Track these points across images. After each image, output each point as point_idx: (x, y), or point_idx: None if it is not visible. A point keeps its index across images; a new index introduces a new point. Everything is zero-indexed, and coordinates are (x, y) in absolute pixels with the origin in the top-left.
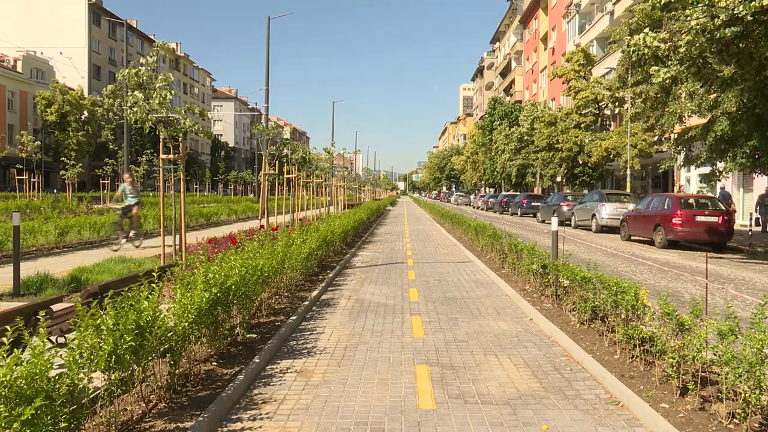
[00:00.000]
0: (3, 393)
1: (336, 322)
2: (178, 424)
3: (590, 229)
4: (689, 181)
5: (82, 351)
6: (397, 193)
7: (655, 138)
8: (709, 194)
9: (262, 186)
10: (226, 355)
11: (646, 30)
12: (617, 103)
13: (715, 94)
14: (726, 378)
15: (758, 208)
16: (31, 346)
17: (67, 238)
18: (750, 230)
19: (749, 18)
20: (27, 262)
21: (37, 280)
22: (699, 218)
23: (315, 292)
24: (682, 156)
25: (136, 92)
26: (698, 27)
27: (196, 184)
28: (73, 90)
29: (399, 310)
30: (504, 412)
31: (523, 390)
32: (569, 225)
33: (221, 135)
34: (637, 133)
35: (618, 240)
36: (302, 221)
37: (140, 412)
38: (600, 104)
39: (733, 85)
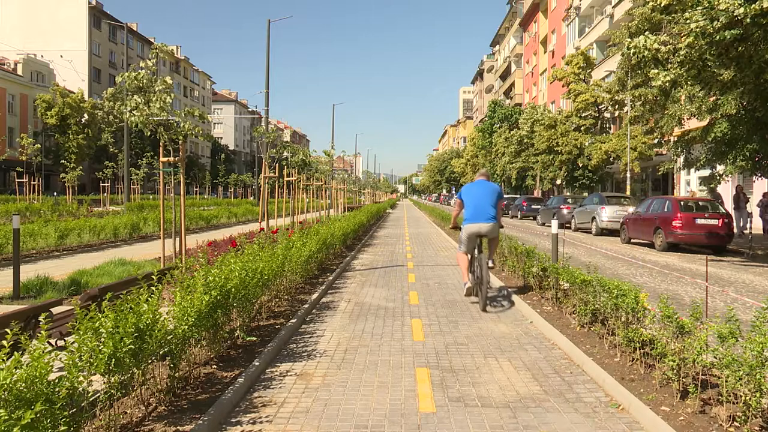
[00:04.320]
0: (3, 396)
1: (336, 325)
2: (178, 427)
3: (590, 232)
4: (689, 183)
5: (82, 354)
6: (397, 196)
7: (655, 141)
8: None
9: (262, 189)
10: (225, 358)
11: (646, 33)
12: (617, 106)
13: (714, 97)
14: (726, 381)
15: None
16: (30, 349)
17: (67, 241)
18: (749, 233)
19: (748, 21)
20: (27, 265)
21: (37, 283)
22: (699, 221)
23: (315, 295)
24: (681, 159)
25: (135, 96)
26: (698, 30)
27: (196, 187)
28: (74, 93)
29: (399, 313)
30: (504, 415)
31: (524, 393)
32: (569, 228)
33: (221, 138)
34: (636, 136)
35: (618, 243)
36: (302, 224)
37: (140, 415)
38: (600, 107)
39: (733, 88)
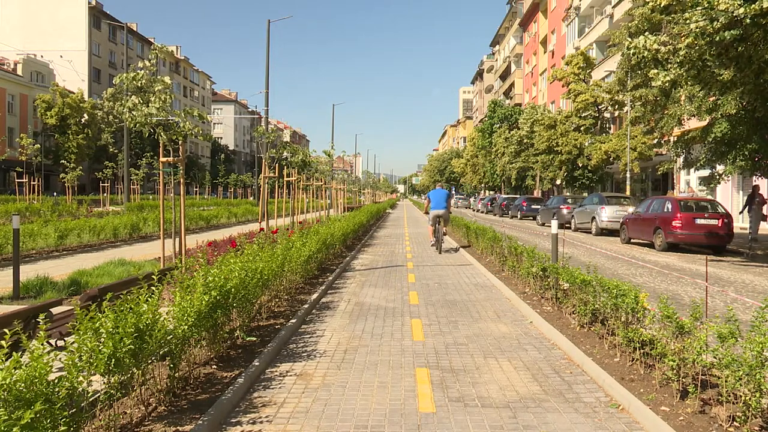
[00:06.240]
0: (2, 396)
1: (336, 325)
2: (178, 427)
3: (590, 232)
4: (689, 183)
5: (82, 354)
6: (397, 196)
7: (655, 141)
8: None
9: (261, 189)
10: (225, 358)
11: (646, 33)
12: (617, 106)
13: (714, 97)
14: (726, 381)
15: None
16: (30, 349)
17: (66, 241)
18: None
19: (748, 21)
20: (27, 265)
21: (37, 283)
22: (699, 221)
23: (315, 295)
24: (681, 159)
25: (132, 97)
26: (697, 30)
27: (196, 187)
28: (73, 93)
29: (399, 313)
30: (504, 416)
31: (524, 393)
32: (569, 228)
33: (221, 138)
34: (636, 136)
35: (618, 243)
36: (302, 224)
37: (140, 415)
38: (600, 107)
39: (733, 88)
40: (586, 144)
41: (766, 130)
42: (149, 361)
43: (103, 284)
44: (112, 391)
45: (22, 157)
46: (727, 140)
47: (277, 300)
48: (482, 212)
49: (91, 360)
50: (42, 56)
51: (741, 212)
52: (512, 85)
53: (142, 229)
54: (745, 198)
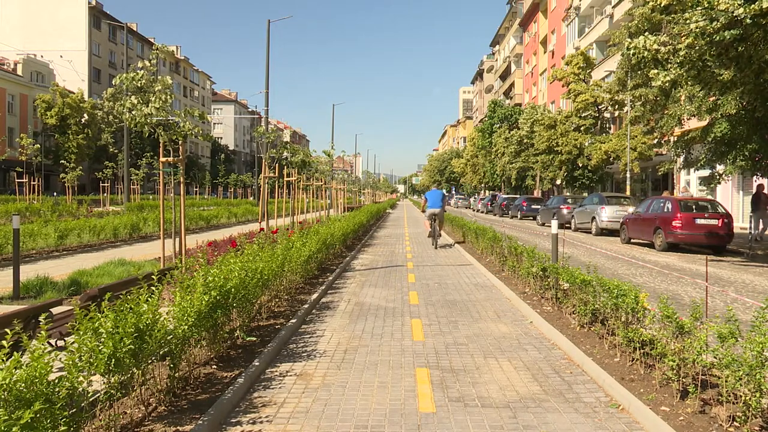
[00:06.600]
0: (2, 396)
1: (336, 325)
2: (178, 427)
3: (590, 232)
4: (689, 183)
5: (82, 354)
6: (397, 196)
7: (655, 141)
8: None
9: (261, 189)
10: (225, 358)
11: (646, 33)
12: (617, 106)
13: (714, 97)
14: (726, 381)
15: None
16: (30, 349)
17: (66, 241)
18: (753, 234)
19: (748, 21)
20: (27, 265)
21: (37, 283)
22: (699, 221)
23: (315, 295)
24: (681, 159)
25: (132, 97)
26: (697, 30)
27: (196, 187)
28: (73, 93)
29: (399, 313)
30: (504, 416)
31: (524, 393)
32: (569, 228)
33: (221, 138)
34: (636, 136)
35: (618, 243)
36: (302, 224)
37: (140, 415)
38: (600, 107)
39: (733, 88)
40: (586, 144)
41: (766, 130)
42: (149, 361)
43: (103, 284)
44: (112, 391)
45: (22, 157)
46: (727, 140)
47: (277, 300)
48: (482, 212)
49: (91, 360)
50: (42, 56)
51: (752, 213)
52: (512, 85)
53: (142, 229)
54: (750, 198)
